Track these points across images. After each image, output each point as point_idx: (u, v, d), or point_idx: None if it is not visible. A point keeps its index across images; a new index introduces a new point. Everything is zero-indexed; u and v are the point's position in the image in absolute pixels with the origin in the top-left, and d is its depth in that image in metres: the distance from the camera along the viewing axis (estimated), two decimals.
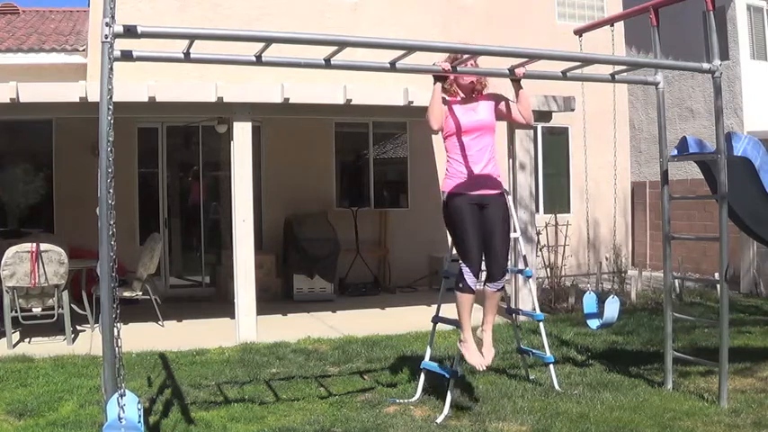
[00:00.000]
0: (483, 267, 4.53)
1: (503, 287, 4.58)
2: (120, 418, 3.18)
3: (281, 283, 10.12)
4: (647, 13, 5.28)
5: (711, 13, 4.89)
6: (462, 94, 4.64)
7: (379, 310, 9.14)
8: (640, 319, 7.90)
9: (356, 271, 10.65)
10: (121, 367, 3.35)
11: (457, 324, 4.96)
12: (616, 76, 5.18)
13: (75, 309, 7.34)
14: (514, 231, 6.10)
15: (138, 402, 3.33)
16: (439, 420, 4.53)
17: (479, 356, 4.48)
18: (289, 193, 10.45)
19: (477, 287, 4.48)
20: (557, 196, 12.41)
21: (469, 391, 5.15)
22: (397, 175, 11.87)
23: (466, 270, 4.39)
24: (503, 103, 4.77)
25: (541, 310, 5.89)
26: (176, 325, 8.05)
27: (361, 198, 11.41)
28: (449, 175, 4.60)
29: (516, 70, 4.65)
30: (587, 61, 4.88)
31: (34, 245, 6.77)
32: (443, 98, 4.56)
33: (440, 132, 4.62)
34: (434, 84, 4.49)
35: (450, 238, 4.76)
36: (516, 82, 4.72)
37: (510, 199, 6.44)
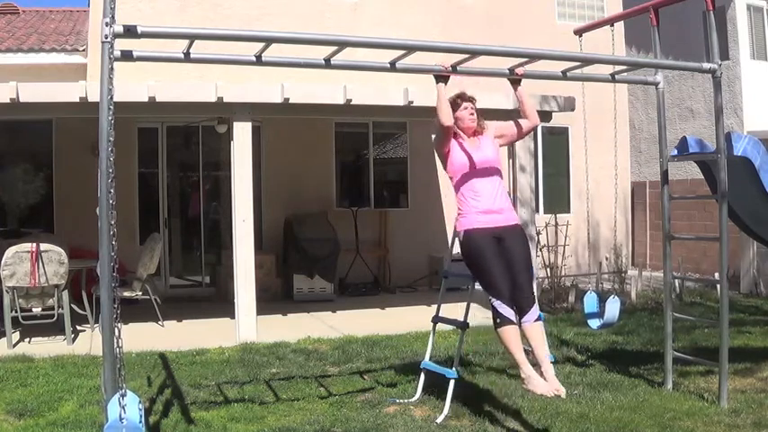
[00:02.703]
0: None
1: (539, 317, 4.26)
2: (121, 419, 3.18)
3: (281, 283, 10.12)
4: (647, 13, 5.28)
5: (711, 12, 4.89)
6: (465, 135, 4.62)
7: (379, 310, 9.14)
8: (640, 319, 7.90)
9: (356, 271, 10.65)
10: (122, 367, 3.35)
11: (457, 324, 4.98)
12: (616, 76, 5.18)
13: (75, 309, 7.33)
14: None
15: (139, 402, 3.33)
16: (439, 420, 4.53)
17: (546, 384, 4.06)
18: (289, 193, 10.45)
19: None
20: (557, 196, 12.41)
21: (469, 391, 5.15)
22: (397, 175, 11.87)
23: (498, 303, 4.17)
24: (502, 126, 4.77)
25: (541, 310, 5.82)
26: (176, 325, 8.05)
27: (361, 198, 11.40)
28: (462, 213, 4.47)
29: (516, 70, 4.65)
30: (587, 61, 4.89)
31: (34, 245, 6.77)
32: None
33: (446, 163, 4.58)
34: (437, 84, 4.48)
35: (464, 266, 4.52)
36: (516, 82, 4.73)
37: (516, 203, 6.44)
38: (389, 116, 9.77)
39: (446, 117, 4.43)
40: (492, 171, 4.52)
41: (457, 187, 4.56)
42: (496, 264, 4.25)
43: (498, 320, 4.16)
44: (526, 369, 4.10)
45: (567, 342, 6.89)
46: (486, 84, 7.44)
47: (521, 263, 4.31)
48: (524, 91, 4.78)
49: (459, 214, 4.53)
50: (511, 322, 4.13)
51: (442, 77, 4.49)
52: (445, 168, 4.67)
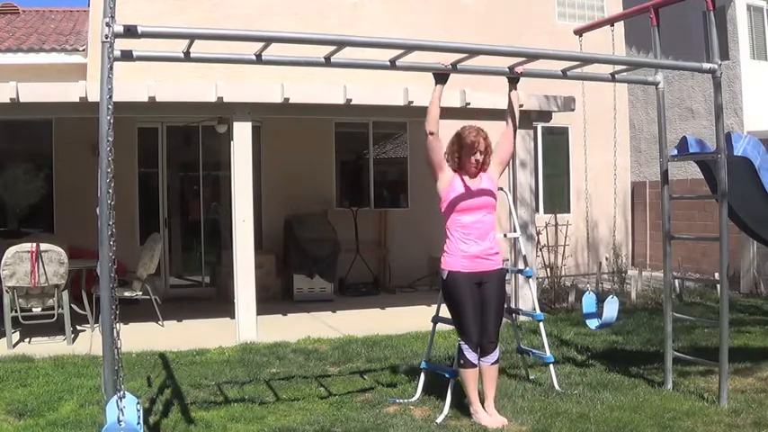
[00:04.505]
0: None
1: (498, 360, 4.59)
2: (119, 421, 3.17)
3: (281, 283, 10.12)
4: (647, 13, 5.28)
5: (711, 12, 4.89)
6: (467, 175, 4.53)
7: (379, 310, 9.13)
8: (640, 319, 7.90)
9: (356, 271, 10.65)
10: (121, 369, 3.34)
11: None
12: (616, 76, 5.18)
13: (75, 309, 7.33)
14: (514, 231, 6.11)
15: (138, 404, 3.32)
16: (439, 420, 4.53)
17: (490, 418, 4.46)
18: (289, 193, 10.45)
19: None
20: (556, 196, 12.41)
21: None
22: (397, 175, 11.87)
23: (465, 347, 4.45)
24: (498, 153, 4.65)
25: (541, 310, 5.89)
26: (176, 325, 8.05)
27: (361, 198, 11.40)
28: (449, 252, 4.51)
29: (516, 68, 4.63)
30: (587, 61, 4.88)
31: (34, 245, 6.76)
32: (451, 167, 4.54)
33: (434, 161, 4.49)
34: (436, 85, 4.45)
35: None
36: (513, 81, 4.69)
37: (510, 199, 6.45)
38: (389, 116, 9.77)
39: (432, 123, 4.39)
40: (487, 213, 4.50)
41: (448, 225, 4.54)
42: (472, 311, 4.46)
43: (462, 362, 4.50)
44: (476, 406, 4.52)
45: (567, 342, 6.89)
46: (486, 83, 7.45)
47: (493, 309, 4.53)
48: (518, 93, 4.75)
49: (445, 252, 4.54)
50: (473, 365, 4.48)
51: (441, 77, 4.45)
52: (436, 182, 4.55)
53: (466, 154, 4.50)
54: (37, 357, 6.19)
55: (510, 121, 4.72)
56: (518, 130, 8.17)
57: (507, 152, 4.75)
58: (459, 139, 4.54)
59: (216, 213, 10.96)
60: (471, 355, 4.45)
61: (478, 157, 4.50)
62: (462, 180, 4.52)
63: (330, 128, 11.07)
